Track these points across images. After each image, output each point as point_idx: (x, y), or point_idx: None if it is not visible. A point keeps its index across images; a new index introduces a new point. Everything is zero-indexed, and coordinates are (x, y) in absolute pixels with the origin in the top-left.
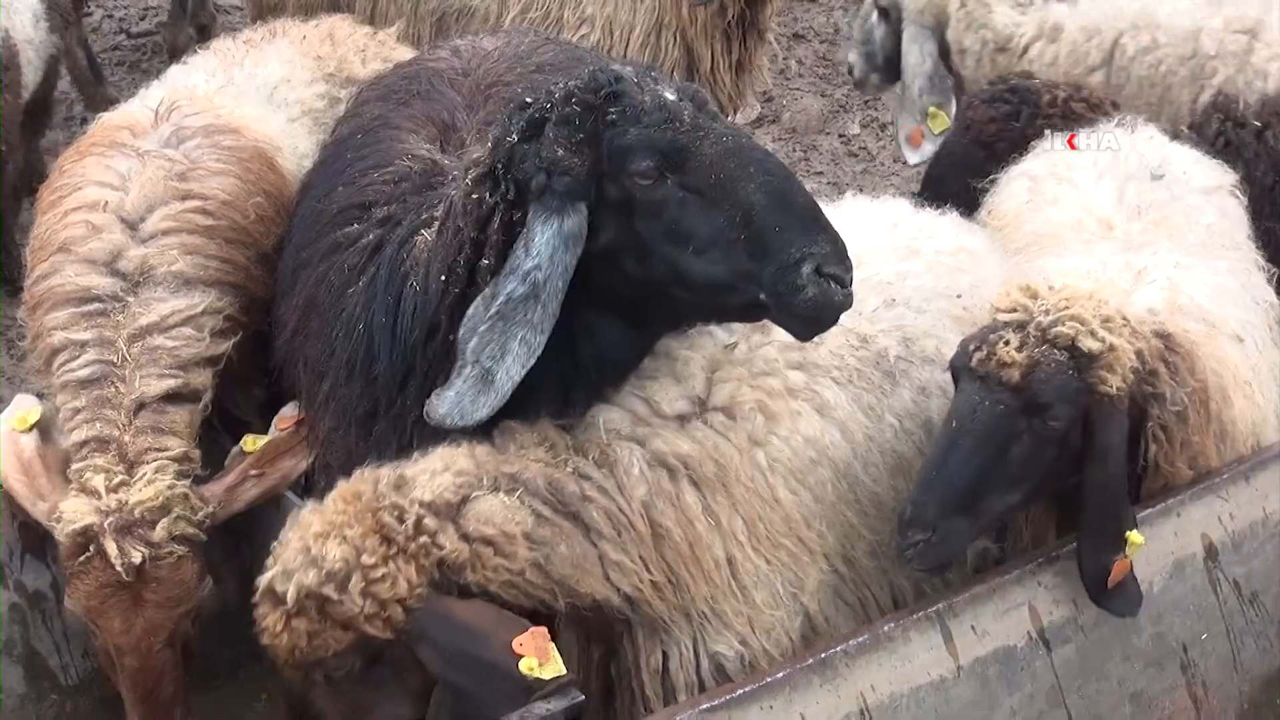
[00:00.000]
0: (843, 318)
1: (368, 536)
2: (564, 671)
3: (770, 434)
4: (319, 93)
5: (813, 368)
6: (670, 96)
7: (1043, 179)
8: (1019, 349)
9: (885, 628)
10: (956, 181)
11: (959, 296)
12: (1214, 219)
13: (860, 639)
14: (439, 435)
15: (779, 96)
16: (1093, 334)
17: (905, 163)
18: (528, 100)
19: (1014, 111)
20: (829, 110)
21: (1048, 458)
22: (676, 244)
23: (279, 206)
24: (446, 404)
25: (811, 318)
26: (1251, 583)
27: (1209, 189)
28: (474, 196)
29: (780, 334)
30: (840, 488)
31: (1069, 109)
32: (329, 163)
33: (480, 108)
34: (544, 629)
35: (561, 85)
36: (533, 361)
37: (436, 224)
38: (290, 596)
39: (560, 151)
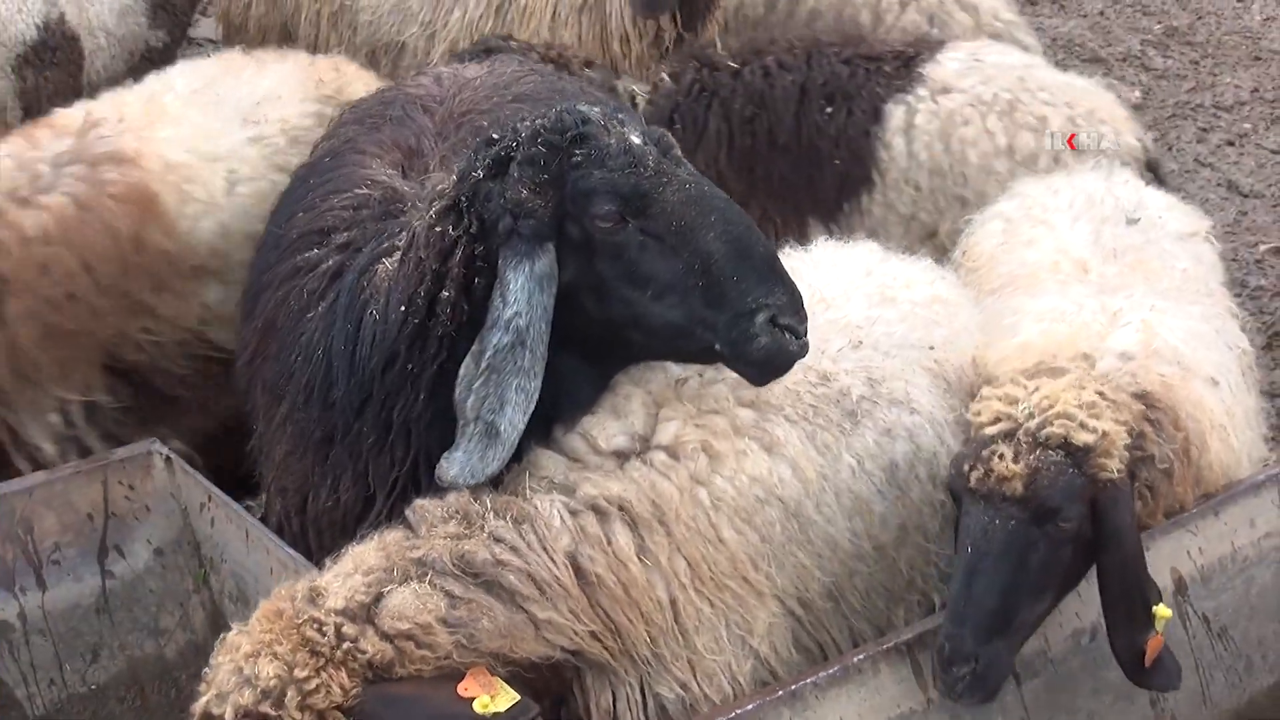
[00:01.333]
0: (807, 356)
1: (297, 651)
2: (517, 697)
3: (714, 473)
4: (308, 111)
5: (764, 405)
6: (636, 140)
7: (1018, 221)
8: (1015, 459)
9: (855, 660)
10: None
11: (931, 348)
12: (1189, 264)
13: (831, 671)
14: (391, 464)
15: None
16: (1083, 426)
17: None
18: (494, 136)
19: None
20: None
21: (1066, 557)
22: (635, 287)
23: (128, 248)
24: (456, 466)
25: (764, 365)
26: (1220, 617)
27: (1184, 235)
28: (437, 229)
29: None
30: (790, 527)
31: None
32: (296, 187)
33: (451, 135)
34: (481, 666)
35: (529, 124)
36: (532, 407)
37: (398, 253)
38: (228, 718)
39: (524, 192)
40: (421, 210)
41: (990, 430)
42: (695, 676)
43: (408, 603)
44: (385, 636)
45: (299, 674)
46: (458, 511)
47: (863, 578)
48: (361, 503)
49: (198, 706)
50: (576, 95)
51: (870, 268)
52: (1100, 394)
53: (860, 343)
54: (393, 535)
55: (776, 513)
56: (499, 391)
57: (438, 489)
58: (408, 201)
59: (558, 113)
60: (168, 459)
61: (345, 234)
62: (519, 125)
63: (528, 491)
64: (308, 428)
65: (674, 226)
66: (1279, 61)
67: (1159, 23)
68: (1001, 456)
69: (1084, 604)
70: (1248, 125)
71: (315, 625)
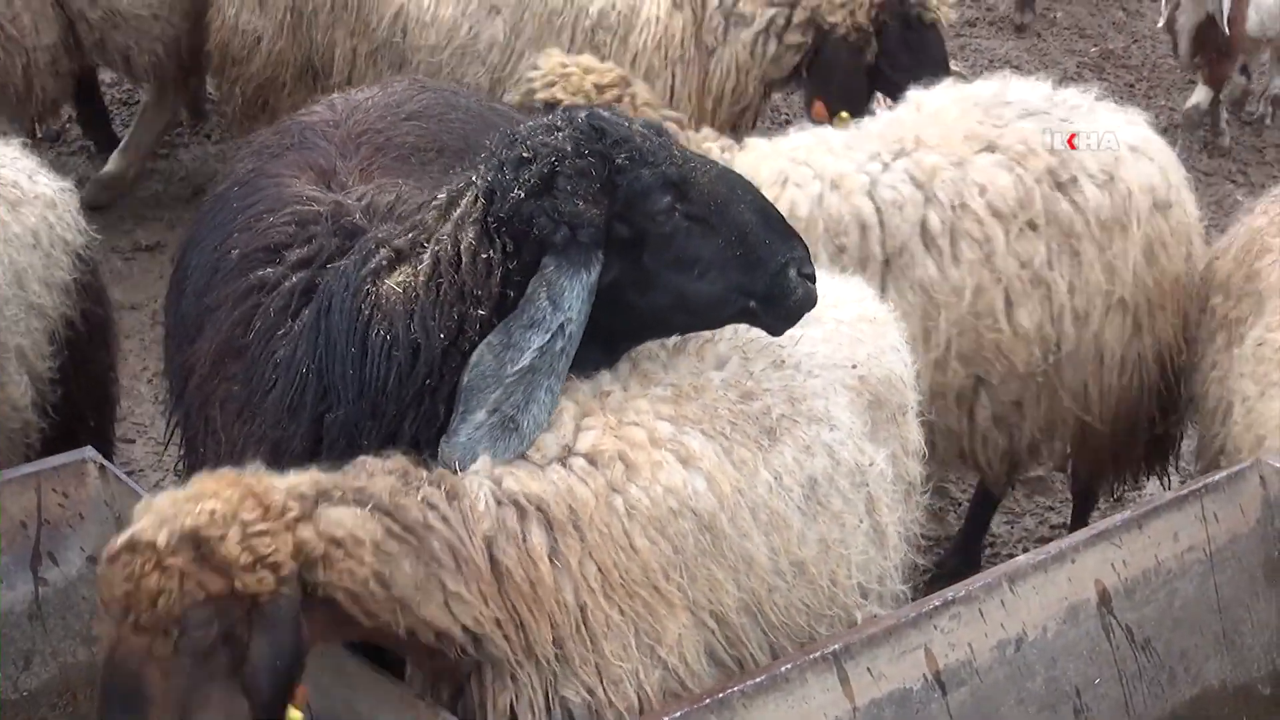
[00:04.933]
0: (726, 374)
1: (244, 499)
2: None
3: (629, 482)
4: None
5: (682, 420)
6: (653, 132)
7: None
8: None
9: (783, 669)
10: None
11: (854, 366)
12: None
13: (757, 680)
14: None
15: None
16: None
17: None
18: (525, 155)
19: None
20: None
21: None
22: (681, 270)
23: None
24: (459, 450)
25: (796, 314)
26: (1144, 629)
27: None
28: (483, 257)
29: (656, 388)
30: (703, 540)
31: None
32: (210, 216)
33: (352, 154)
34: (304, 689)
35: (560, 136)
36: (555, 405)
37: (409, 274)
38: (164, 540)
39: (580, 204)
40: (440, 235)
41: None
42: (602, 682)
43: (347, 516)
44: (318, 534)
45: (245, 516)
46: (398, 469)
47: (782, 594)
48: None
49: (118, 541)
50: (472, 109)
51: None
52: None
53: (783, 362)
54: (336, 469)
55: (689, 524)
56: (529, 391)
57: None
58: (357, 215)
59: (588, 121)
60: (101, 467)
61: (300, 250)
62: (550, 140)
63: (459, 471)
64: (288, 444)
65: (713, 206)
66: None
67: (1095, 45)
68: None
69: (1008, 615)
70: (1178, 149)
71: (263, 487)
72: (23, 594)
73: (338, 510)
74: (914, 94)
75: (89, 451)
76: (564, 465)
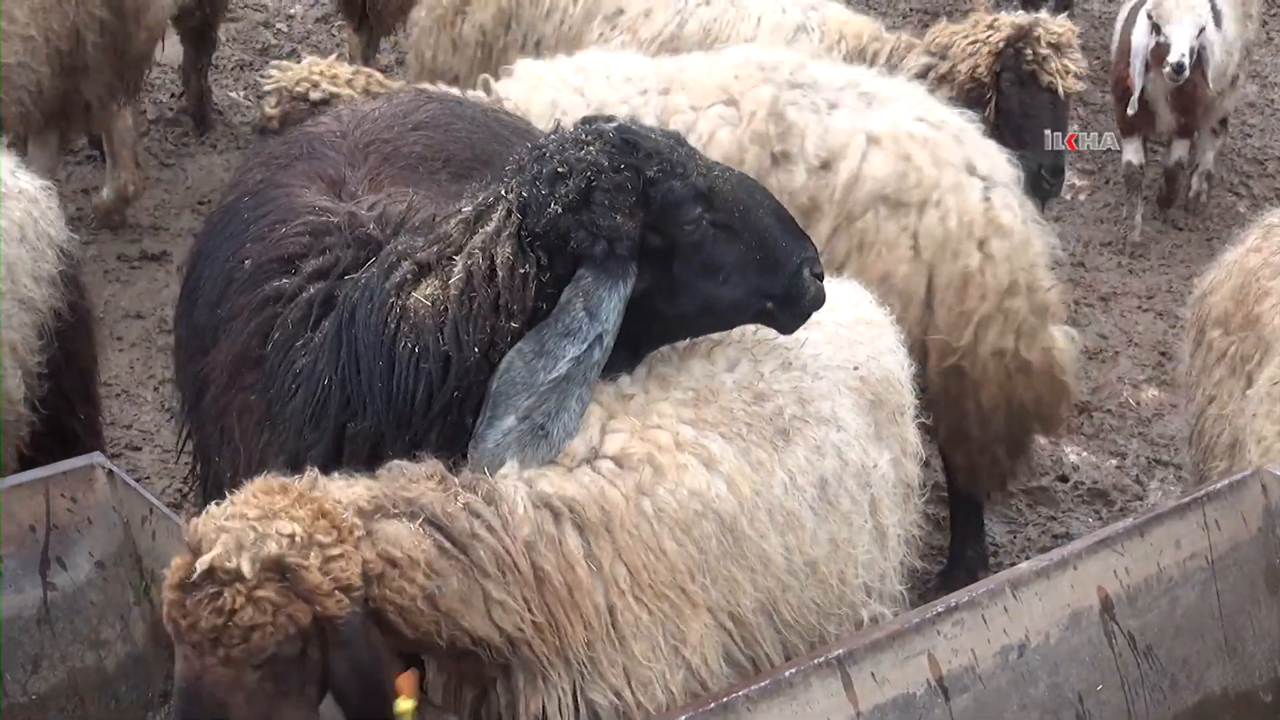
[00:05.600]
0: (738, 376)
1: (316, 519)
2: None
3: (657, 484)
4: None
5: (702, 423)
6: (677, 143)
7: None
8: None
9: (787, 674)
10: None
11: (855, 368)
12: None
13: (762, 684)
14: None
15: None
16: None
17: None
18: (559, 170)
19: None
20: None
21: None
22: (707, 276)
23: None
24: (486, 455)
25: (810, 312)
26: (1146, 636)
27: None
28: (520, 271)
29: (676, 391)
30: (725, 542)
31: None
32: (221, 227)
33: (360, 164)
34: (411, 677)
35: (593, 151)
36: (583, 414)
37: (432, 287)
38: (248, 569)
39: (618, 218)
40: (465, 244)
41: None
42: (630, 684)
43: (403, 533)
44: (378, 555)
45: (321, 538)
46: (435, 474)
47: (795, 593)
48: None
49: (197, 564)
50: (478, 119)
51: None
52: None
53: (790, 364)
54: (379, 476)
55: (713, 526)
56: (562, 399)
57: None
58: (370, 225)
59: (619, 134)
60: (110, 473)
61: (316, 260)
62: (583, 155)
63: (489, 474)
64: (303, 453)
65: (736, 212)
66: None
67: (1096, 58)
68: None
69: (1011, 621)
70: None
71: (331, 504)
72: (31, 598)
73: (393, 527)
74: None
75: (97, 457)
76: (592, 468)
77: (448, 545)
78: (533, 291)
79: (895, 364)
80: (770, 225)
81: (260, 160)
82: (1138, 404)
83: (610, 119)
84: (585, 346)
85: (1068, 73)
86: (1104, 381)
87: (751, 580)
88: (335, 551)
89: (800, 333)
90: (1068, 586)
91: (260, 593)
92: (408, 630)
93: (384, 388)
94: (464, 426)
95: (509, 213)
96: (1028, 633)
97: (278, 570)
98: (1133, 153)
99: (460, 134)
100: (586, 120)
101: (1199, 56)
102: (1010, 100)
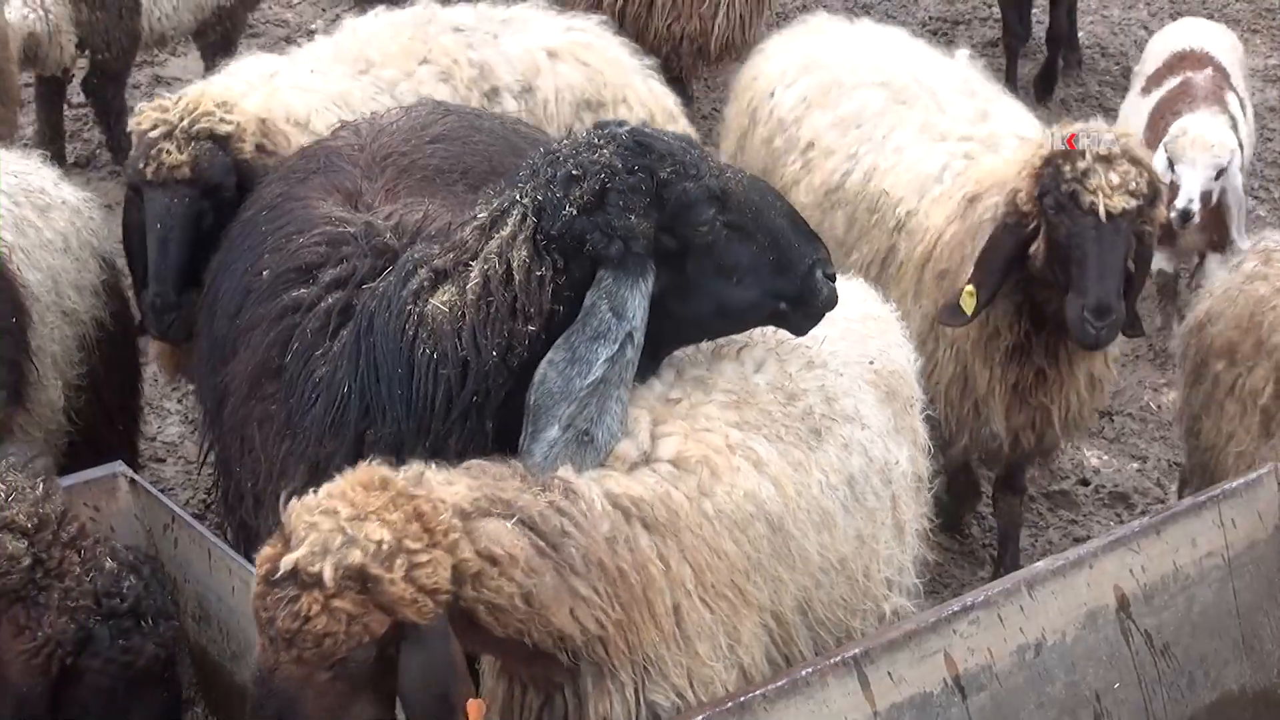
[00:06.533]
0: (769, 377)
1: (409, 522)
2: None
3: (715, 486)
4: None
5: (747, 425)
6: (690, 146)
7: None
8: None
9: (803, 673)
10: None
11: (871, 362)
12: None
13: (779, 684)
14: None
15: None
16: None
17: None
18: (573, 173)
19: None
20: None
21: None
22: (721, 277)
23: None
24: (536, 471)
25: (823, 313)
26: (1163, 634)
27: None
28: (537, 274)
29: (716, 394)
30: (775, 541)
31: None
32: (240, 240)
33: (378, 176)
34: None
35: (606, 153)
36: (625, 415)
37: (449, 293)
38: (329, 576)
39: (633, 218)
40: (481, 249)
41: None
42: (691, 684)
43: (502, 531)
44: (476, 551)
45: (410, 544)
46: (515, 472)
47: (826, 590)
48: None
49: (282, 562)
50: (496, 131)
51: None
52: None
53: (812, 362)
54: (470, 472)
55: (763, 527)
56: (602, 403)
57: None
58: (387, 234)
59: (631, 137)
60: (132, 481)
61: (333, 270)
62: (596, 157)
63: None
64: (332, 461)
65: (749, 213)
66: None
67: (1117, 64)
68: None
69: (1027, 620)
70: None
71: (430, 504)
72: None
73: (493, 525)
74: (349, 22)
75: (120, 466)
76: (651, 470)
77: (541, 543)
78: (549, 294)
79: (903, 357)
80: (783, 226)
81: (278, 175)
82: (1159, 408)
83: (622, 123)
84: (617, 346)
85: (1116, 190)
86: (1125, 385)
87: (792, 579)
88: (423, 558)
89: (819, 330)
90: (1084, 585)
91: (337, 602)
92: (498, 629)
93: (403, 394)
94: (483, 431)
95: (524, 216)
96: (1044, 631)
97: (359, 579)
98: (1164, 261)
99: (478, 147)
100: (599, 124)
101: (1219, 198)
102: (1055, 229)
